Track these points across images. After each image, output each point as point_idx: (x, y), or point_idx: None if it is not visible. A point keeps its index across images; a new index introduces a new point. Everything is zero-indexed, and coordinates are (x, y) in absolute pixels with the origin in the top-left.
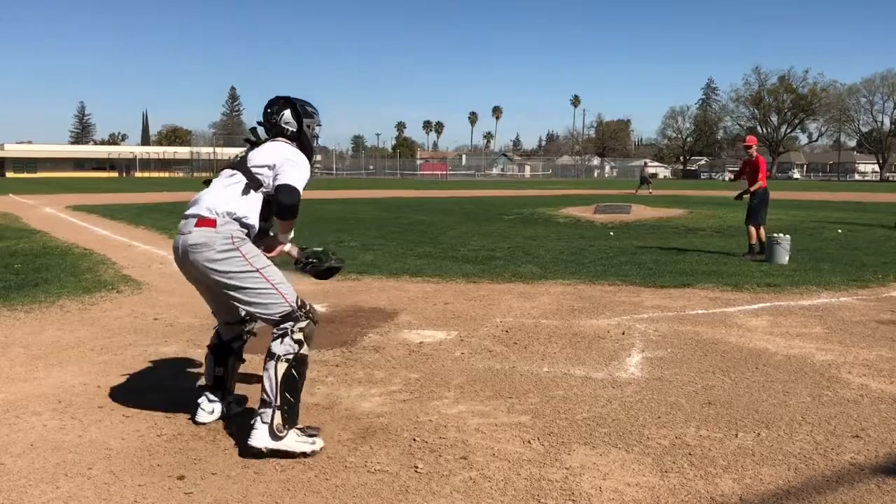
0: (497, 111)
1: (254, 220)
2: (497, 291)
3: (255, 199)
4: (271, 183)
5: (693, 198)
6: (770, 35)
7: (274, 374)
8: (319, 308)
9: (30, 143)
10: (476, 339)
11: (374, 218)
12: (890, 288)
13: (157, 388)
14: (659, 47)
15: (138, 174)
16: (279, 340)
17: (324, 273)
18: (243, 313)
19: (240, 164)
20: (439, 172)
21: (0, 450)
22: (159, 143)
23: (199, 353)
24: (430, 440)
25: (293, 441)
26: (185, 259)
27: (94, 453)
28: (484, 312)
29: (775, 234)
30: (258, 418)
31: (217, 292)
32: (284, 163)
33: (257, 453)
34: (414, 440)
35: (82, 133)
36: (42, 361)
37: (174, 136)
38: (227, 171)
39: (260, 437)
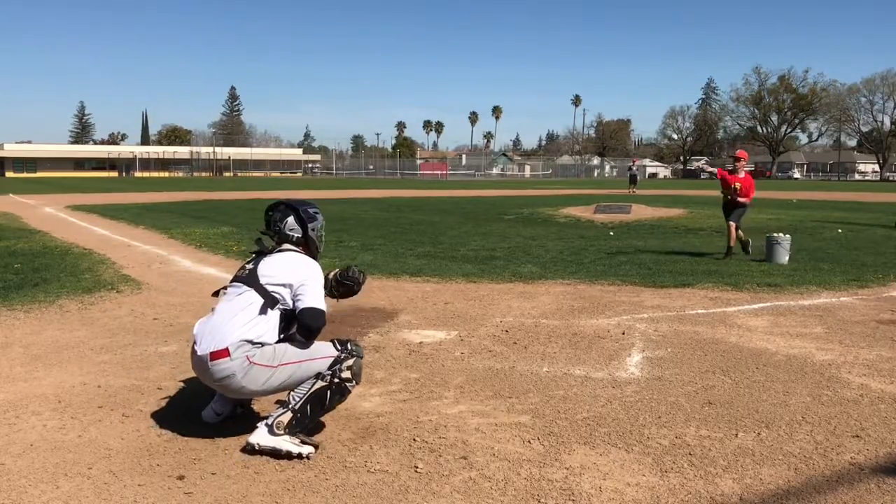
0: (497, 111)
1: (270, 338)
2: (497, 291)
3: (273, 318)
4: (290, 301)
5: (693, 198)
6: (770, 35)
7: (310, 386)
8: None
9: (30, 143)
10: (476, 339)
11: (374, 218)
12: (890, 288)
13: (157, 388)
14: (659, 47)
15: (138, 174)
16: (331, 372)
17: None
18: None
19: (250, 279)
20: (439, 172)
21: (0, 450)
22: (159, 143)
23: None
24: (430, 440)
25: (283, 440)
26: (216, 386)
27: (94, 453)
28: (484, 312)
29: (775, 234)
30: (265, 419)
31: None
32: (304, 282)
33: (250, 450)
34: (414, 440)
35: (82, 133)
36: (42, 361)
37: (174, 135)
38: (237, 288)
39: (258, 434)
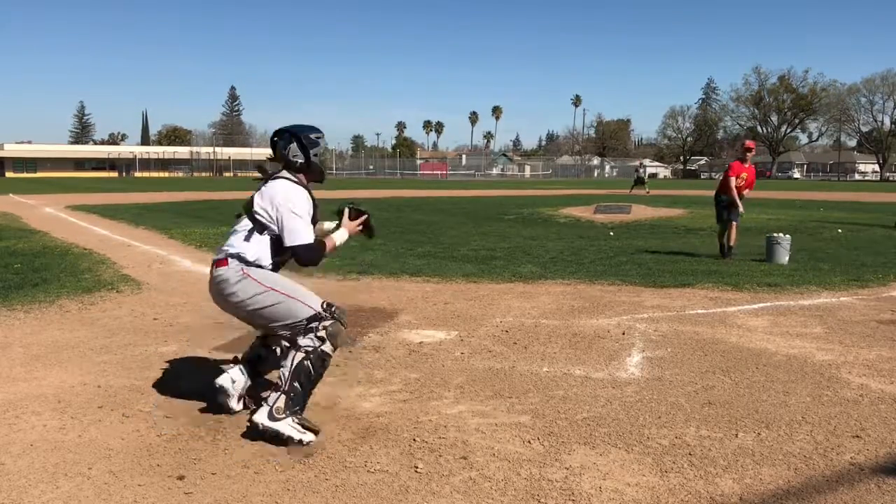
0: (497, 111)
1: (263, 259)
2: (497, 291)
3: (263, 241)
4: (276, 228)
5: (693, 198)
6: (770, 35)
7: (291, 361)
8: None
9: (30, 143)
10: (476, 339)
11: (374, 218)
12: (890, 288)
13: (157, 388)
14: (659, 47)
15: (138, 174)
16: (303, 335)
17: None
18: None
19: (248, 207)
20: (439, 172)
21: (0, 450)
22: (159, 143)
23: (199, 353)
24: (430, 440)
25: (286, 424)
26: (214, 294)
27: (94, 453)
28: (484, 312)
29: (775, 234)
30: (265, 400)
31: (247, 318)
32: (283, 215)
33: (254, 429)
34: (414, 440)
35: (82, 133)
36: (42, 361)
37: (174, 135)
38: (240, 217)
39: (260, 415)
